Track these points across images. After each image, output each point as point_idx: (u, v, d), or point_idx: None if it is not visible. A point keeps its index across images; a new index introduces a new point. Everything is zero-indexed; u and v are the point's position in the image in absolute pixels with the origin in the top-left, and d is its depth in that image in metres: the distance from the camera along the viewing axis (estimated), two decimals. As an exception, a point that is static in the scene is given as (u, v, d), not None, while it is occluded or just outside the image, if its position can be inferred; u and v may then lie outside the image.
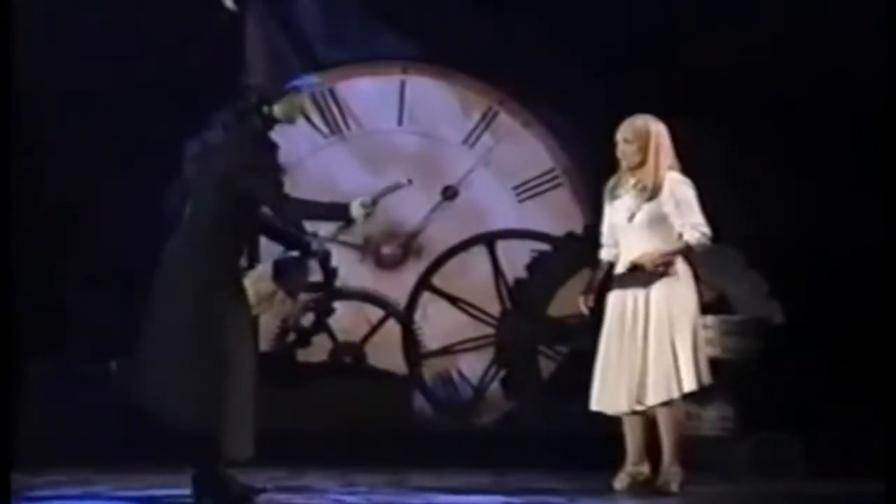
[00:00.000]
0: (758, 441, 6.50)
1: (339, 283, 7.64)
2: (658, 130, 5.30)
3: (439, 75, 7.86)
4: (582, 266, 7.55)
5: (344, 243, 7.64)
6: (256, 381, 4.78)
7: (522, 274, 7.64)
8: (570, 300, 7.56)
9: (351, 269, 7.74)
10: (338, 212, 4.85)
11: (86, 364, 6.83)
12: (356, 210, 4.82)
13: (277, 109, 4.83)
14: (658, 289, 5.19)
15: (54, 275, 7.01)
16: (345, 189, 7.78)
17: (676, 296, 5.19)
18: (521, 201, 7.92)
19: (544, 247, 7.69)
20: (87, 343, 6.92)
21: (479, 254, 7.82)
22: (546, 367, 7.60)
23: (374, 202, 4.84)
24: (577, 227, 7.72)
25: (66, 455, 6.07)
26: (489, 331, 7.75)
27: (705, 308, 7.25)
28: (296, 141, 7.68)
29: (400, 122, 7.90)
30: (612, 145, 5.45)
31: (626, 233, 5.26)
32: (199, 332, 4.68)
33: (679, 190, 5.19)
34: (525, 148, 7.93)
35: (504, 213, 7.88)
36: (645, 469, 5.31)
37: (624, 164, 5.30)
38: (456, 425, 7.55)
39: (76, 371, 6.78)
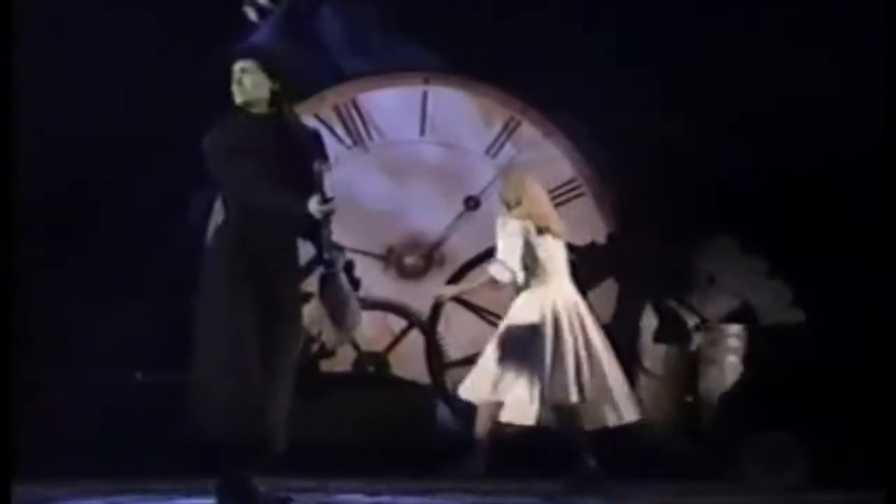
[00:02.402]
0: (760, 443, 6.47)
1: (361, 292, 7.57)
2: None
3: (461, 85, 7.83)
4: (605, 275, 7.51)
5: (366, 253, 7.61)
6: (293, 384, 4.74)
7: (545, 283, 7.57)
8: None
9: (374, 279, 7.70)
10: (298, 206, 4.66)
11: (110, 374, 6.79)
12: (312, 206, 4.65)
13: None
14: None
15: (75, 284, 6.99)
16: (367, 199, 7.76)
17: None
18: (543, 211, 7.87)
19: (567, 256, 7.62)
20: (111, 353, 6.88)
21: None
22: (569, 376, 7.53)
23: (331, 198, 4.65)
24: (600, 236, 7.68)
25: (89, 465, 6.03)
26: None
27: (729, 317, 7.23)
28: (318, 152, 7.67)
29: (422, 132, 7.87)
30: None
31: None
32: (243, 333, 4.63)
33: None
34: (547, 158, 7.89)
35: (526, 223, 7.82)
36: None
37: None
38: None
39: (100, 381, 6.74)
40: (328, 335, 4.90)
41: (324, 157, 4.92)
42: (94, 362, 6.86)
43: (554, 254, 5.82)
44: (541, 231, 5.80)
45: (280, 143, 4.73)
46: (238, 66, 4.81)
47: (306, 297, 5.22)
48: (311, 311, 4.76)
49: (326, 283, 4.85)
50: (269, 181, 4.68)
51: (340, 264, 4.89)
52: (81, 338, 6.93)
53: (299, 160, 4.77)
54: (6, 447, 4.46)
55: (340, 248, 4.88)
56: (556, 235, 5.84)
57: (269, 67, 4.80)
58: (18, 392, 6.01)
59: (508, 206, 5.88)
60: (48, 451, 6.22)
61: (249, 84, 4.78)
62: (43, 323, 6.83)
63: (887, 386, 6.09)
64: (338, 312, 4.89)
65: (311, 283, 4.91)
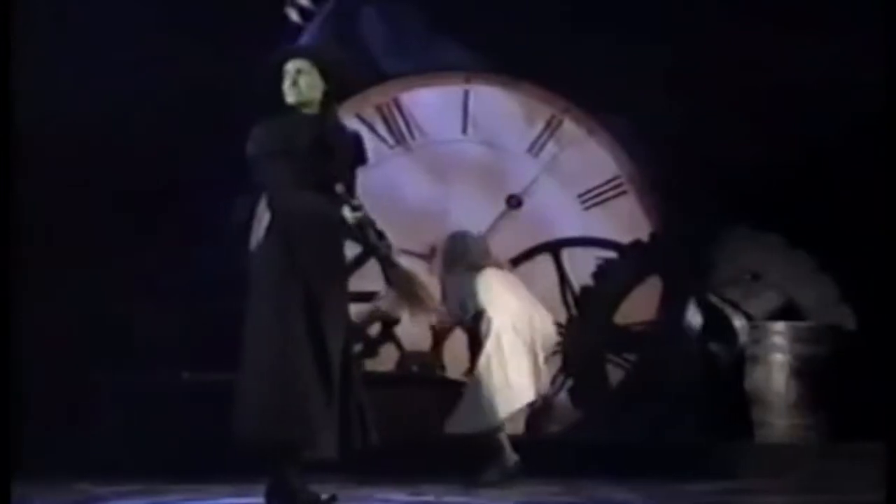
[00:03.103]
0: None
1: (404, 292, 7.59)
2: None
3: (503, 84, 7.83)
4: (648, 273, 7.48)
5: (410, 253, 7.62)
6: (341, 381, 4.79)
7: (588, 282, 7.58)
8: (636, 308, 7.50)
9: (417, 279, 7.70)
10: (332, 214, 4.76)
11: (156, 374, 6.84)
12: (347, 214, 4.74)
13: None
14: None
15: (124, 287, 7.05)
16: (410, 199, 7.77)
17: None
18: (586, 209, 7.86)
19: (610, 254, 7.62)
20: (157, 353, 6.94)
21: (544, 262, 7.77)
22: (614, 375, 7.52)
23: (361, 207, 4.75)
24: (643, 234, 7.65)
25: (137, 465, 6.08)
26: (556, 339, 7.66)
27: (776, 314, 7.18)
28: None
29: (464, 131, 7.87)
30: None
31: None
32: (291, 335, 4.66)
33: None
34: (590, 155, 7.87)
35: (569, 221, 7.82)
36: None
37: None
38: (523, 434, 7.47)
39: (147, 382, 6.80)
40: (410, 316, 4.97)
41: (363, 159, 4.96)
42: (141, 362, 6.92)
43: (498, 285, 6.18)
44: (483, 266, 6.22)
45: (321, 146, 4.77)
46: (293, 66, 4.82)
47: (371, 295, 5.29)
48: (385, 301, 4.83)
49: (387, 271, 4.91)
50: (308, 184, 4.73)
51: (392, 250, 4.94)
52: (129, 338, 7.00)
53: (340, 162, 4.82)
54: (6, 445, 4.54)
55: (383, 237, 4.92)
56: (498, 267, 6.31)
57: (324, 68, 4.83)
58: (80, 392, 6.07)
59: (453, 265, 6.23)
60: (96, 450, 6.29)
61: (305, 85, 4.81)
62: (91, 323, 6.90)
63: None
64: (409, 293, 4.95)
65: (373, 278, 4.96)
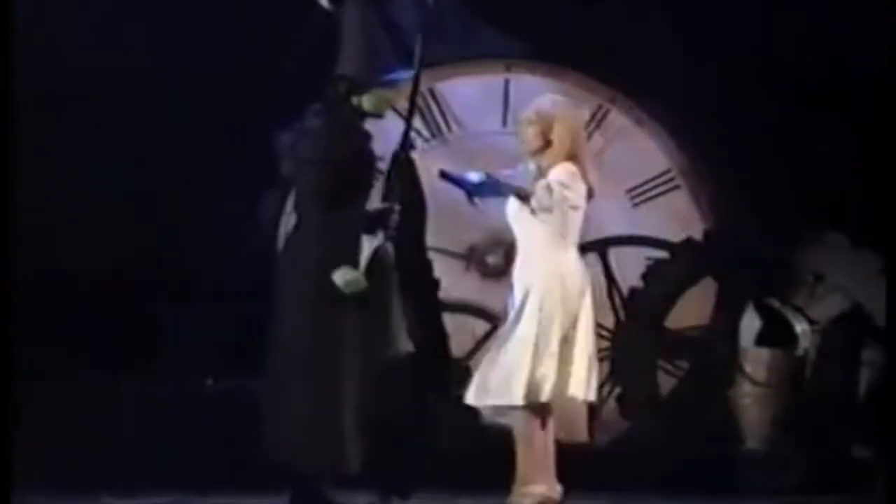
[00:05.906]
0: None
1: (442, 294, 7.58)
2: (564, 115, 5.30)
3: (545, 73, 7.81)
4: (702, 274, 7.43)
5: (447, 252, 7.60)
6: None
7: (638, 283, 7.53)
8: (689, 311, 7.45)
9: (455, 280, 7.70)
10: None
11: (180, 382, 6.87)
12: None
13: (366, 101, 4.90)
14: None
15: (147, 292, 7.09)
16: (447, 195, 7.74)
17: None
18: (635, 205, 7.83)
19: (661, 254, 7.57)
20: (181, 360, 6.97)
21: (590, 262, 7.69)
22: (665, 383, 7.47)
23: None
24: (696, 232, 7.61)
25: (160, 477, 6.11)
26: (603, 344, 7.63)
27: (839, 318, 7.11)
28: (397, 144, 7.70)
29: (504, 123, 7.86)
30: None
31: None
32: (314, 349, 4.71)
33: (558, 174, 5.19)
34: (639, 148, 7.84)
35: (617, 218, 7.78)
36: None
37: (522, 147, 5.37)
38: (570, 445, 7.42)
39: (170, 389, 6.83)
40: None
41: None
42: (163, 369, 6.95)
43: None
44: None
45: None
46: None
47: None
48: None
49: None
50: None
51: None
52: (150, 344, 7.04)
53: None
54: (6, 456, 4.60)
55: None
56: None
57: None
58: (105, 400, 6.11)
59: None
60: (117, 461, 6.33)
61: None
62: (112, 329, 6.95)
63: None
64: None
65: None
